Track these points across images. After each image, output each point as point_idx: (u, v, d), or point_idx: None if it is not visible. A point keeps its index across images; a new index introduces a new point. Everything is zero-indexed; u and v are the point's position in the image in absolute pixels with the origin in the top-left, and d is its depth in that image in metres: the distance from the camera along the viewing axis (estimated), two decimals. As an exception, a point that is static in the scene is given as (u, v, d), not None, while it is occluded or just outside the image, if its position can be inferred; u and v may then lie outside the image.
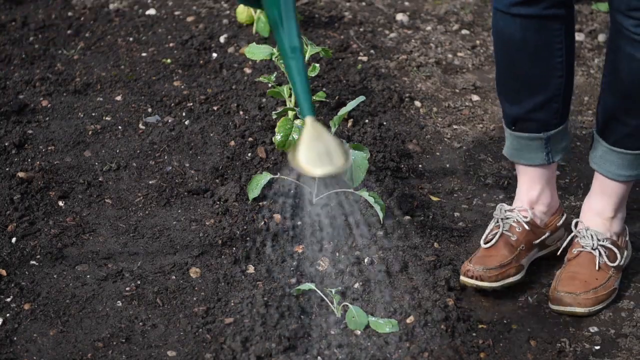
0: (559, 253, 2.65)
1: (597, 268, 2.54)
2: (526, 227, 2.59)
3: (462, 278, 2.55)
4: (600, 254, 2.55)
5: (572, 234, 2.61)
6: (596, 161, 2.55)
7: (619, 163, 2.50)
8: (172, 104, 3.17)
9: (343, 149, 2.19)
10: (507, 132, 2.60)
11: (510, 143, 2.60)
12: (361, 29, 3.71)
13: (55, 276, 2.52)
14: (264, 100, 3.16)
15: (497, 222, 2.62)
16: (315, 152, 2.16)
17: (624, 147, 2.48)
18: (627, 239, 2.65)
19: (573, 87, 2.54)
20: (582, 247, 2.57)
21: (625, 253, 2.62)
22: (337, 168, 2.13)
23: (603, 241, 2.56)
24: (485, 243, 2.59)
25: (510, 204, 2.66)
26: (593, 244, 2.55)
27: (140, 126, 3.07)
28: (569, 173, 3.03)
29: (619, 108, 2.44)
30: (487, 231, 2.62)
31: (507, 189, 2.96)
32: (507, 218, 2.61)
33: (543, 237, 2.63)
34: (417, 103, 3.30)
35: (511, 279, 2.55)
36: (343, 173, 2.38)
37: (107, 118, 3.10)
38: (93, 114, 3.12)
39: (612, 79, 2.43)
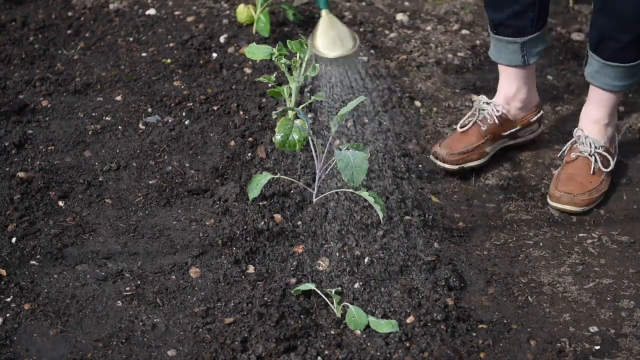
0: (558, 156, 3.01)
1: (592, 172, 2.88)
2: (496, 120, 3.01)
3: (431, 157, 2.99)
4: (595, 159, 2.90)
5: (572, 140, 2.94)
6: (592, 75, 2.88)
7: (613, 75, 2.83)
8: (172, 104, 3.17)
9: (352, 35, 2.88)
10: (491, 36, 3.00)
11: (494, 45, 3.01)
12: (361, 29, 3.71)
13: (55, 276, 2.52)
14: (264, 100, 3.16)
15: (475, 110, 3.03)
16: (329, 38, 2.87)
17: (617, 61, 2.81)
18: (616, 144, 2.99)
19: (549, 1, 2.92)
20: (580, 152, 2.91)
21: (615, 158, 2.95)
22: (347, 50, 2.86)
23: (599, 148, 2.91)
24: (461, 127, 3.02)
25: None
26: (590, 151, 2.90)
27: (140, 126, 3.07)
28: (569, 173, 3.03)
29: (611, 26, 2.76)
30: (465, 117, 3.03)
31: (507, 189, 2.96)
32: (483, 109, 3.03)
33: (512, 130, 3.06)
34: (417, 103, 3.30)
35: (472, 164, 2.98)
36: (353, 56, 2.93)
37: (107, 118, 3.11)
38: (93, 114, 3.12)
39: (604, 2, 2.74)
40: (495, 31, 2.96)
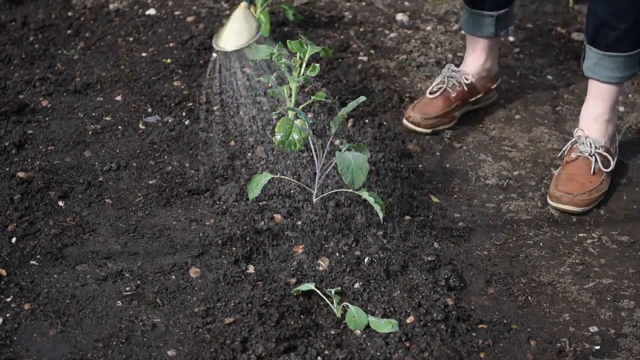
0: (559, 155, 3.04)
1: (592, 172, 2.90)
2: (465, 88, 3.19)
3: (404, 121, 3.17)
4: (596, 160, 2.91)
5: (572, 140, 2.96)
6: (591, 69, 2.91)
7: (613, 66, 2.86)
8: (172, 104, 3.17)
9: (255, 27, 2.96)
10: (466, 9, 3.15)
11: (468, 17, 3.16)
12: (361, 29, 3.71)
13: (55, 276, 2.52)
14: (264, 100, 3.16)
15: (444, 78, 3.20)
16: (230, 32, 2.93)
17: (615, 51, 2.83)
18: (616, 144, 3.00)
19: None
20: (581, 152, 2.93)
21: (615, 158, 2.97)
22: (241, 45, 2.93)
23: (599, 148, 2.92)
24: (430, 93, 3.19)
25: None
26: (590, 151, 2.91)
27: (140, 126, 3.07)
28: (569, 173, 3.03)
29: (608, 14, 2.79)
30: (434, 83, 3.21)
31: (507, 189, 2.96)
32: (452, 77, 3.20)
33: (477, 97, 3.23)
34: (417, 103, 3.30)
35: (444, 127, 3.17)
36: (249, 47, 2.95)
37: (107, 118, 3.11)
38: (93, 114, 3.12)
39: None
40: (471, 5, 3.11)
